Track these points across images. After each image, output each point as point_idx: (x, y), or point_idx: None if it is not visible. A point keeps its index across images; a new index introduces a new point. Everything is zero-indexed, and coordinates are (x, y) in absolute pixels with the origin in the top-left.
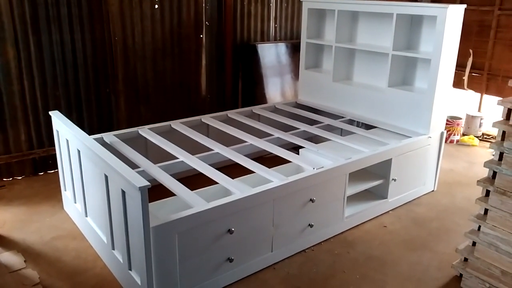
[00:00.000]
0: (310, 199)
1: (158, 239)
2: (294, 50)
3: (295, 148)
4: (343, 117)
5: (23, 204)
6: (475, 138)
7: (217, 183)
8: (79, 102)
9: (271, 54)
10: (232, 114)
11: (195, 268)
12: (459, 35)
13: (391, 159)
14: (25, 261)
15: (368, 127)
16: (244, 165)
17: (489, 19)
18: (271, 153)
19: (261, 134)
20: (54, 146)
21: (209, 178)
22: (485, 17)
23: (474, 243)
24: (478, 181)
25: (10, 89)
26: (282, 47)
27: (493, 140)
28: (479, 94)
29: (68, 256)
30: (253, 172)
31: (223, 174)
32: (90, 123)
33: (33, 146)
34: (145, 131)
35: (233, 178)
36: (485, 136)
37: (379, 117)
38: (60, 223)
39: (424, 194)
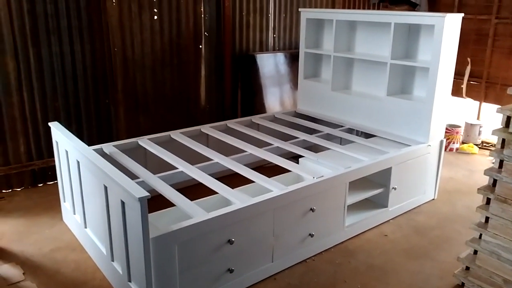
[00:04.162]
0: (311, 209)
1: (158, 250)
2: (293, 60)
3: (295, 157)
4: (342, 126)
5: (22, 215)
6: (475, 146)
7: (216, 193)
8: (78, 113)
9: (270, 64)
10: (231, 123)
11: (195, 279)
12: (457, 43)
13: (391, 167)
14: (23, 273)
15: (368, 136)
16: (243, 175)
17: (487, 27)
18: (271, 163)
19: (260, 144)
20: (53, 157)
21: (208, 188)
22: (482, 26)
23: (475, 252)
24: (478, 189)
25: (10, 101)
26: (281, 57)
27: (492, 148)
28: (477, 102)
29: (67, 268)
30: (253, 181)
31: (223, 184)
32: (90, 134)
33: (33, 158)
34: (144, 142)
35: (233, 188)
36: (484, 144)
37: (378, 125)
38: (59, 234)
39: (425, 203)
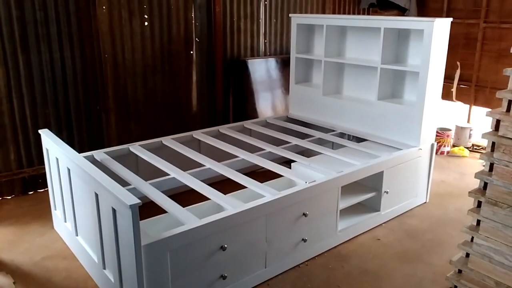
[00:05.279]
0: (303, 213)
1: (149, 258)
2: (284, 65)
3: (287, 162)
4: (334, 131)
5: (12, 224)
6: (465, 149)
7: (209, 199)
8: (69, 120)
9: (262, 69)
10: (223, 129)
11: (187, 286)
12: (446, 47)
13: (382, 171)
14: (14, 282)
15: (359, 140)
16: (236, 180)
17: (475, 31)
18: (263, 168)
19: (252, 149)
20: (43, 164)
21: (201, 194)
22: (471, 30)
23: (467, 255)
24: (469, 192)
25: None
26: (272, 62)
27: (483, 151)
28: (467, 106)
29: (59, 276)
30: (245, 187)
31: (215, 190)
32: (80, 141)
33: (23, 165)
34: (136, 148)
35: (225, 194)
36: (475, 147)
37: (370, 130)
38: (50, 242)
39: (417, 206)
